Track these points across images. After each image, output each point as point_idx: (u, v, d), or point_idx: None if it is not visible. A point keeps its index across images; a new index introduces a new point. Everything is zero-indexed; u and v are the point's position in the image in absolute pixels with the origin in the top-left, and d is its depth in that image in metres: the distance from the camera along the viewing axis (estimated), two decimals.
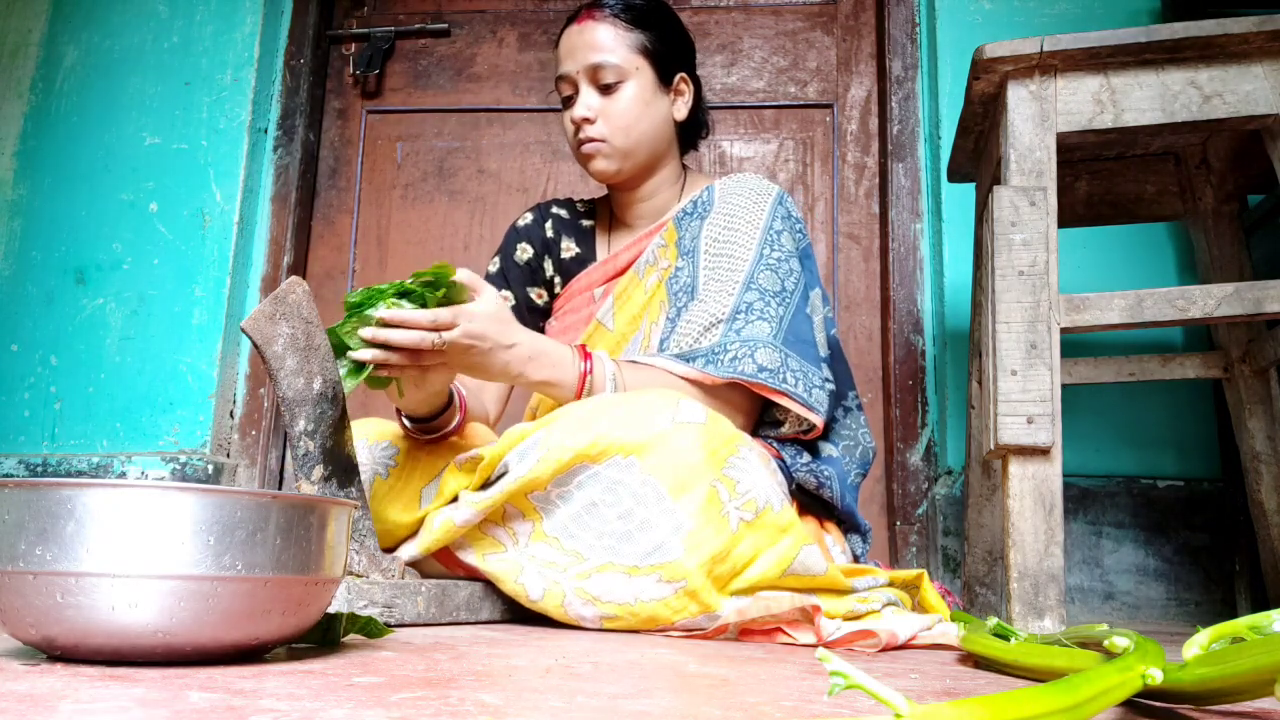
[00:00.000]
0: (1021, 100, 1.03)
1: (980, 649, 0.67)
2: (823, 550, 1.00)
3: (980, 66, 1.05)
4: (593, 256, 1.31)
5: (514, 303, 1.30)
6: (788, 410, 1.08)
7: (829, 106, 1.92)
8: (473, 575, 0.95)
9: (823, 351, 1.13)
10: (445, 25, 2.00)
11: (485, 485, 0.96)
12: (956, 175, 1.40)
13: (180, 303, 1.84)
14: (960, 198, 1.70)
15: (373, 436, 1.07)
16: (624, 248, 1.25)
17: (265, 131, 1.95)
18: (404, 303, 0.89)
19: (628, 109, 1.19)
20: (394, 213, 1.98)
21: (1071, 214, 1.40)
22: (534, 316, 1.30)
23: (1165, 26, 1.00)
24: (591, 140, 1.19)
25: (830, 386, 1.11)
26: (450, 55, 2.02)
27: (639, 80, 1.19)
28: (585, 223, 1.34)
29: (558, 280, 1.31)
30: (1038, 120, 1.02)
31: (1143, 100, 1.01)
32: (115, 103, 1.95)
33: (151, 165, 1.91)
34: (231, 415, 1.85)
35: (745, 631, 0.88)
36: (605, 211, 1.34)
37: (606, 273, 1.25)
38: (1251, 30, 0.98)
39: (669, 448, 0.88)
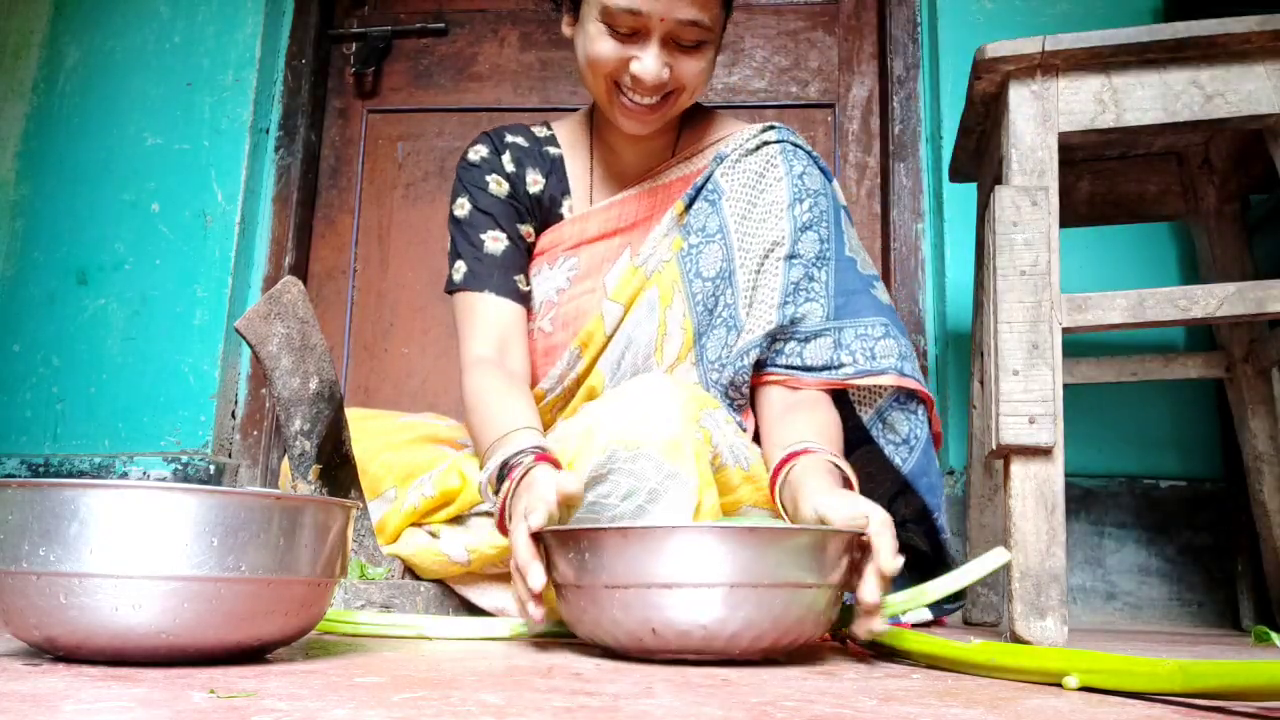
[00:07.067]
0: (1023, 100, 1.03)
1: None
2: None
3: (982, 66, 1.05)
4: (565, 190, 1.13)
5: (506, 244, 1.09)
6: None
7: (830, 106, 1.92)
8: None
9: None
10: (445, 24, 2.00)
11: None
12: (958, 175, 1.40)
13: (182, 303, 1.84)
14: (962, 198, 1.70)
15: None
16: (647, 191, 1.10)
17: (267, 132, 1.95)
18: None
19: (699, 76, 1.00)
20: (395, 212, 1.98)
21: (1073, 214, 1.40)
22: (528, 259, 1.13)
23: (1167, 26, 1.00)
24: (649, 108, 1.00)
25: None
26: (451, 55, 2.02)
27: (716, 42, 1.01)
28: (552, 150, 1.15)
29: (530, 219, 1.13)
30: (1039, 120, 1.02)
31: (1145, 100, 1.01)
32: (117, 103, 1.94)
33: (153, 166, 1.91)
34: (233, 415, 1.85)
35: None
36: (581, 137, 1.15)
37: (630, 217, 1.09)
38: (1254, 30, 0.98)
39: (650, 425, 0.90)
